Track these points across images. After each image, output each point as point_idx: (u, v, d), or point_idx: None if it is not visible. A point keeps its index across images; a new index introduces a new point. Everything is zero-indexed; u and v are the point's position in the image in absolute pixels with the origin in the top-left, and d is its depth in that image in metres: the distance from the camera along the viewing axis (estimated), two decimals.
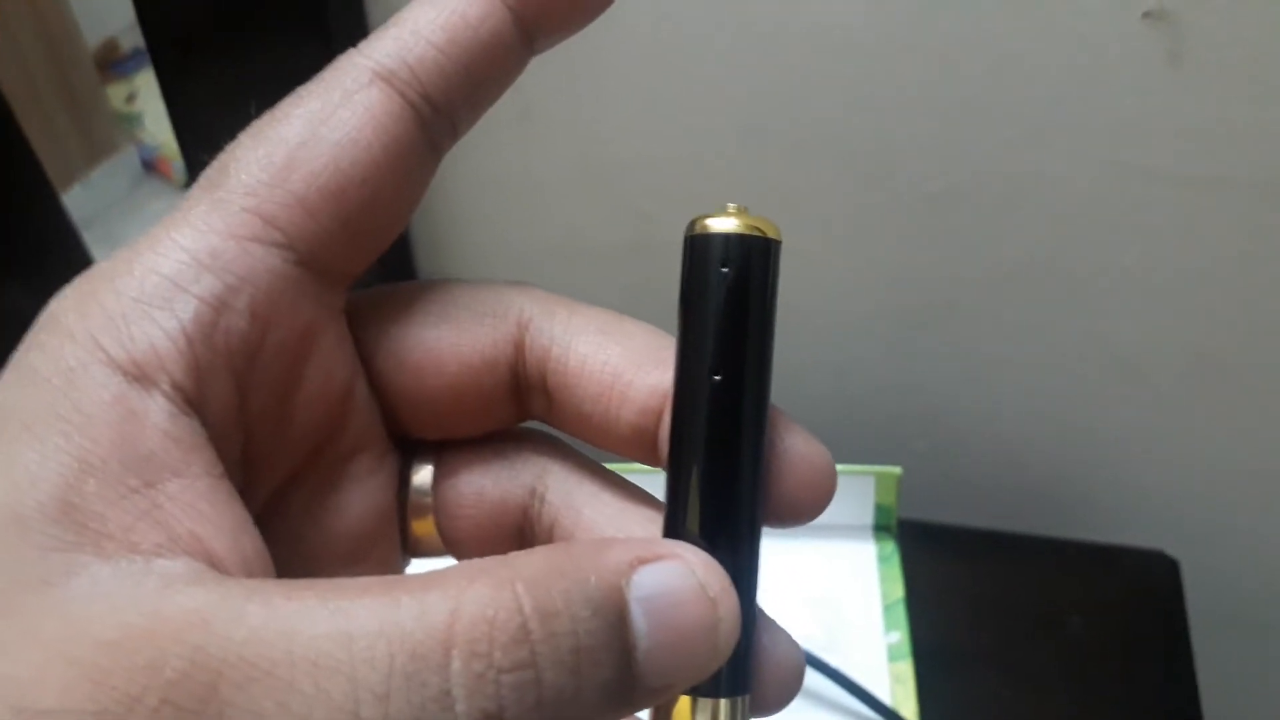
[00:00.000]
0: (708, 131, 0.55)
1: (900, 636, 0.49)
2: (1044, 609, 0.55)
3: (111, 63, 1.74)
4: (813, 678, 0.46)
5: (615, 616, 0.15)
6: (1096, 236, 0.55)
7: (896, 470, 0.50)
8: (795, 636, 0.19)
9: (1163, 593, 0.57)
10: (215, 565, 0.16)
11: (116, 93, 1.71)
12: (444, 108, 0.19)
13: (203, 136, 0.62)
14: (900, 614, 0.49)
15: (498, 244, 0.63)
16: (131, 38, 1.78)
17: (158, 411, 0.16)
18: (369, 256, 0.19)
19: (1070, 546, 0.58)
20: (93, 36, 1.66)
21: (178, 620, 0.14)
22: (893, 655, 0.48)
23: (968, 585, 0.56)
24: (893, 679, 0.47)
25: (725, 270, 0.18)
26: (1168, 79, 0.49)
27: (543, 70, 0.53)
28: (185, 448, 0.16)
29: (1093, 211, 0.54)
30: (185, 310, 0.17)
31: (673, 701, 0.18)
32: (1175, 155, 0.51)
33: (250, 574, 0.16)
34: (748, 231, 0.18)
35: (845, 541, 0.52)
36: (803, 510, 0.19)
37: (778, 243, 0.19)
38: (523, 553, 0.16)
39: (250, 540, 0.17)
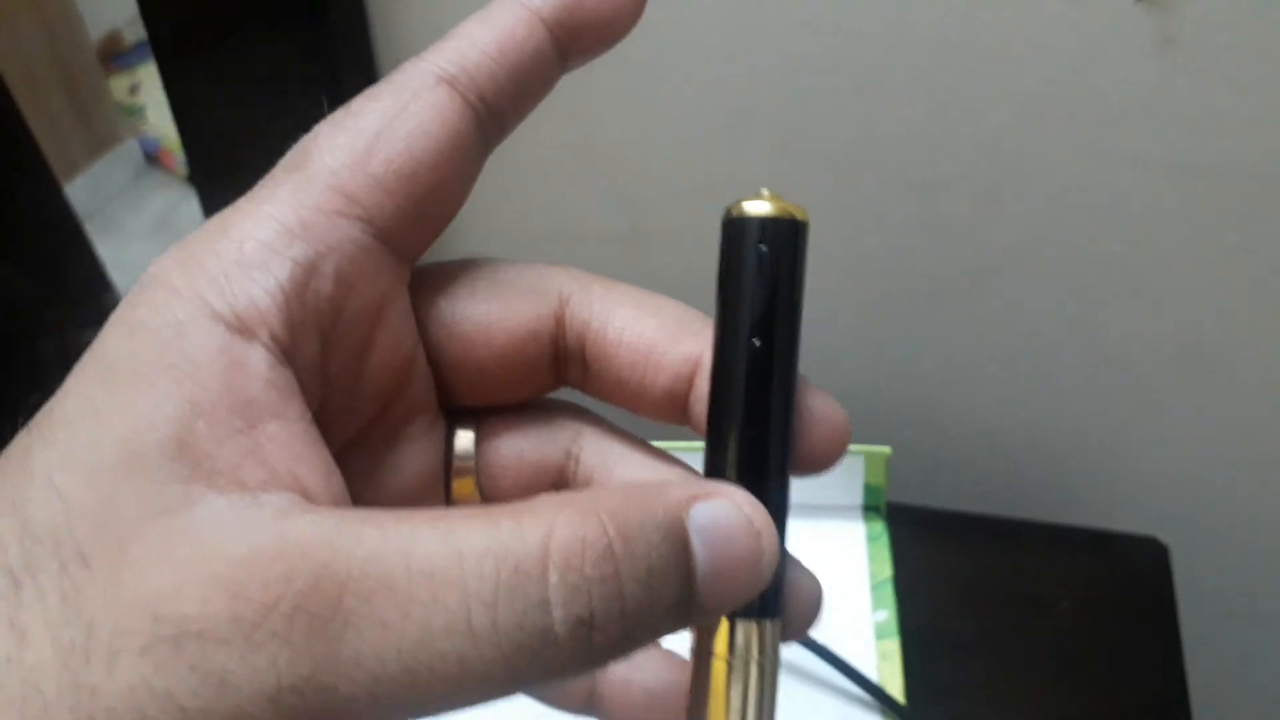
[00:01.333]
0: (698, 121, 0.56)
1: (887, 615, 0.49)
2: (1034, 592, 0.56)
3: (115, 55, 1.74)
4: (800, 653, 0.46)
5: (680, 543, 0.17)
6: (1085, 225, 0.55)
7: (886, 450, 0.51)
8: None
9: (1153, 577, 0.57)
10: (310, 500, 0.17)
11: (119, 84, 1.72)
12: (495, 109, 0.21)
13: (204, 127, 0.63)
14: (888, 593, 0.50)
15: (495, 230, 0.64)
16: (135, 30, 1.79)
17: (259, 360, 0.18)
18: (432, 235, 0.21)
19: (1061, 532, 0.58)
20: (96, 29, 1.67)
21: (303, 541, 0.16)
22: (880, 633, 0.48)
23: (957, 569, 0.56)
24: (879, 656, 0.47)
25: (764, 248, 0.20)
26: (1161, 64, 0.49)
27: None
28: (283, 394, 0.18)
29: (1081, 200, 0.54)
30: (282, 271, 0.18)
31: (716, 623, 0.20)
32: (1167, 143, 0.51)
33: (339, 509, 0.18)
34: (782, 214, 0.21)
35: (834, 521, 0.52)
36: (823, 460, 0.21)
37: (806, 224, 0.21)
38: (596, 490, 0.19)
39: (338, 480, 0.19)
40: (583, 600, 0.16)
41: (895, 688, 0.46)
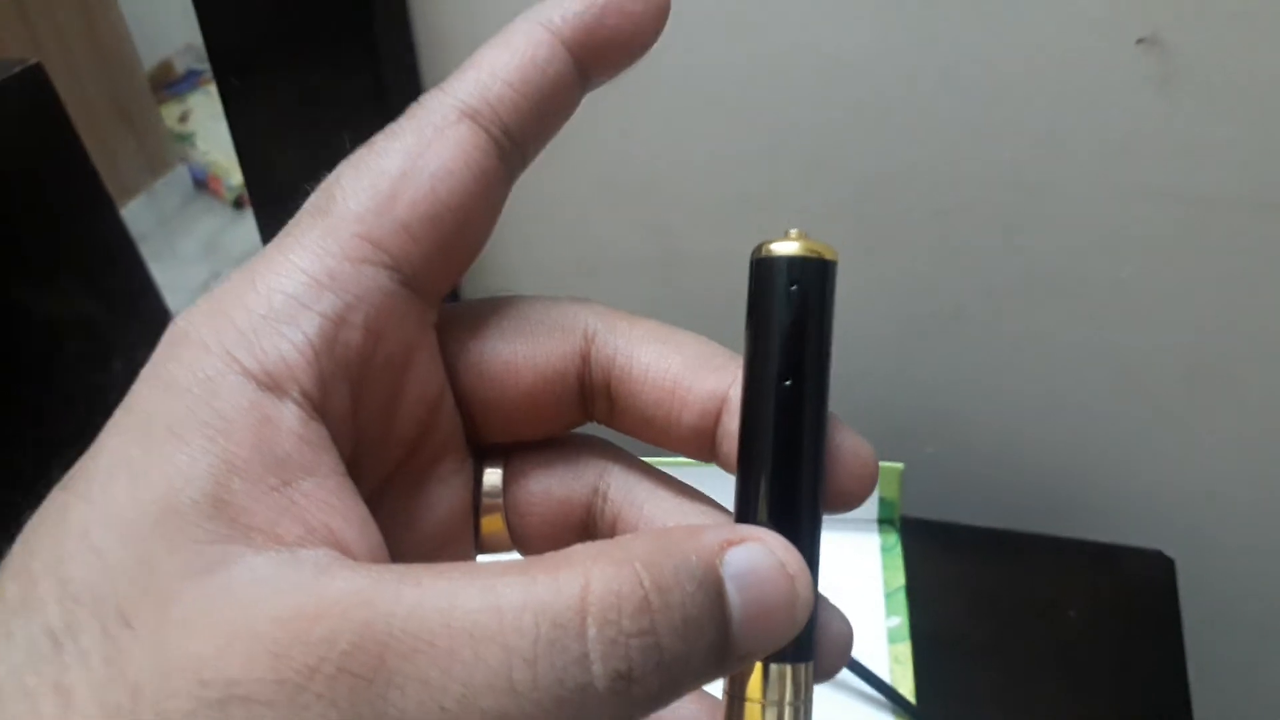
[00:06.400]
0: (726, 151, 0.59)
1: (900, 621, 0.52)
2: (1043, 603, 0.58)
3: (166, 84, 1.81)
4: None
5: (715, 591, 0.17)
6: (1095, 250, 0.57)
7: (899, 466, 0.54)
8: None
9: (1159, 589, 0.59)
10: (347, 554, 0.17)
11: (170, 112, 1.78)
12: (519, 140, 0.21)
13: (260, 151, 0.67)
14: (901, 600, 0.53)
15: (531, 259, 0.67)
16: (185, 60, 1.85)
17: (290, 417, 0.18)
18: (458, 275, 0.21)
19: (1070, 545, 0.61)
20: (148, 59, 1.74)
21: (343, 601, 0.16)
22: (893, 638, 0.51)
23: (970, 579, 0.59)
24: (892, 659, 0.50)
25: (794, 289, 0.20)
26: (1162, 101, 0.52)
27: None
28: (315, 449, 0.18)
29: (1091, 227, 0.57)
30: (310, 326, 0.18)
31: (749, 669, 0.20)
32: (1169, 174, 0.54)
33: (376, 562, 0.18)
34: (810, 254, 0.21)
35: (851, 533, 0.55)
36: (852, 498, 0.21)
37: (834, 263, 0.21)
38: (628, 537, 0.18)
39: (374, 532, 0.18)
40: (621, 654, 0.16)
41: (907, 689, 0.49)
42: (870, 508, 0.55)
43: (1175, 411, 0.62)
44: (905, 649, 0.51)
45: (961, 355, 0.64)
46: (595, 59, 0.21)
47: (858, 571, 0.54)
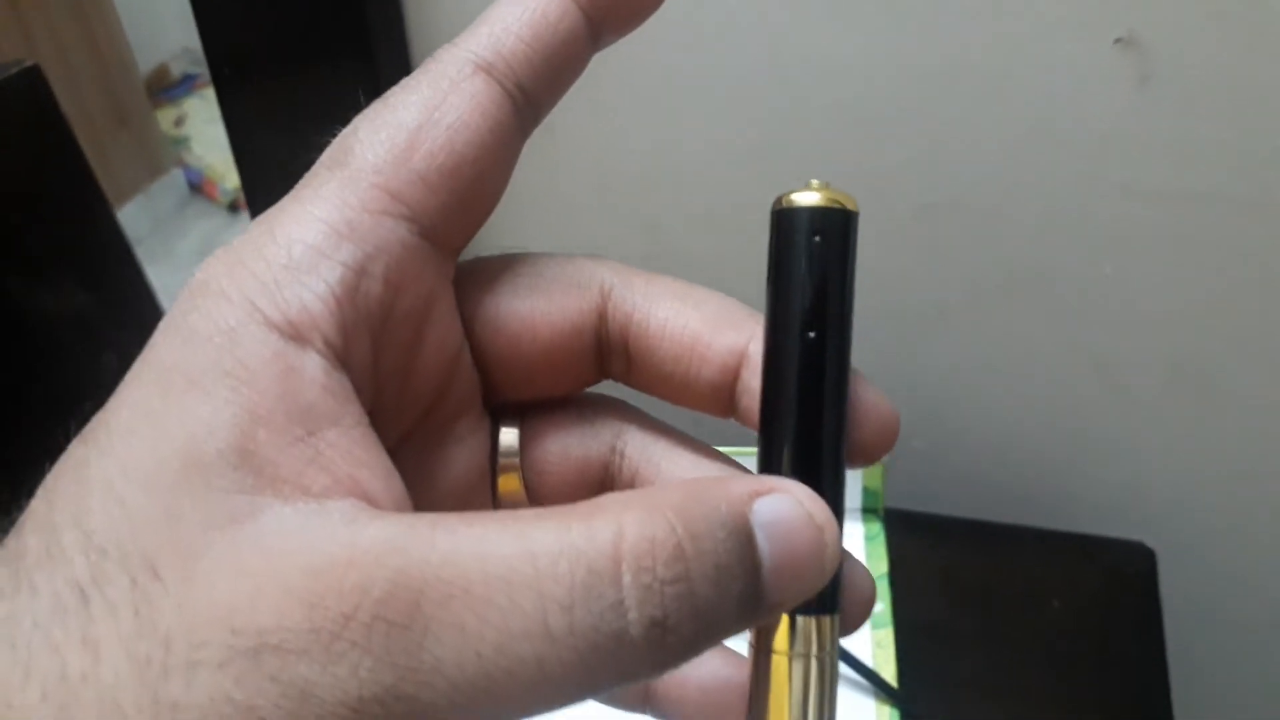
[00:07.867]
0: (715, 150, 0.60)
1: (883, 607, 0.53)
2: (1026, 593, 0.59)
3: (162, 87, 1.82)
4: None
5: (745, 538, 0.17)
6: (1077, 247, 0.58)
7: None
8: None
9: (1140, 580, 0.60)
10: (373, 505, 0.17)
11: (166, 116, 1.79)
12: (531, 95, 0.20)
13: (257, 152, 0.68)
14: (884, 587, 0.54)
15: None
16: (181, 64, 1.86)
17: (314, 367, 0.17)
18: (474, 228, 0.21)
19: (1054, 536, 0.62)
20: (145, 63, 1.75)
21: (375, 549, 0.15)
22: (875, 623, 0.52)
23: (955, 570, 0.60)
24: (874, 644, 0.51)
25: (817, 239, 0.20)
26: (1140, 100, 0.53)
27: (567, 93, 0.58)
28: (339, 399, 0.18)
29: (1072, 224, 0.58)
30: (332, 275, 0.18)
31: (775, 622, 0.20)
32: (1148, 171, 0.55)
33: (401, 513, 0.17)
34: (832, 204, 0.20)
35: None
36: (873, 452, 0.21)
37: (856, 214, 0.21)
38: (655, 488, 0.18)
39: (398, 483, 0.18)
40: (656, 601, 0.16)
41: (889, 673, 0.50)
42: (855, 497, 0.56)
43: (1156, 406, 0.63)
44: (887, 634, 0.52)
45: (946, 351, 0.65)
46: (606, 17, 0.21)
47: None
